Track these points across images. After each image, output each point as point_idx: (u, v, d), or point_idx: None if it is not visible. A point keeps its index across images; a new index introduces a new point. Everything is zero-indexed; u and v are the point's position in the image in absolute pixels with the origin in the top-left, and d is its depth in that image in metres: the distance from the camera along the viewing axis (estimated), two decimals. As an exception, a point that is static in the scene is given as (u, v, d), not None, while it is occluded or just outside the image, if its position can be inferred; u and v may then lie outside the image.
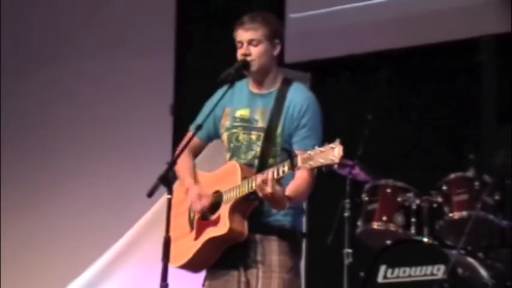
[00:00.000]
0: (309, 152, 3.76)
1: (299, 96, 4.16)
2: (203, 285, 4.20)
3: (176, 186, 4.12)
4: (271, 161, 4.09)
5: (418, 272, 5.51)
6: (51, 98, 7.88)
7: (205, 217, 4.13)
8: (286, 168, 3.84)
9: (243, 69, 4.17)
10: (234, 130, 4.20)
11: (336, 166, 3.71)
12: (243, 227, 4.03)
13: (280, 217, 4.09)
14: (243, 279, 4.08)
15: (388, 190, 5.89)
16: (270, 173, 3.85)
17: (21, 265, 7.53)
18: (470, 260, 5.55)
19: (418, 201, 5.81)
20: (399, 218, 5.82)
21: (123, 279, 6.83)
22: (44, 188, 7.72)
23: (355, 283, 5.82)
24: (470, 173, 5.66)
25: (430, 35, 6.64)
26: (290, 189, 3.97)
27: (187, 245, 4.14)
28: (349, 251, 5.94)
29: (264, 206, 4.07)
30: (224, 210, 4.04)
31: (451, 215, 5.65)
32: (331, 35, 7.00)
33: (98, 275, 6.94)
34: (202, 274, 4.22)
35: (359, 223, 5.95)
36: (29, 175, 7.79)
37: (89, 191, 7.48)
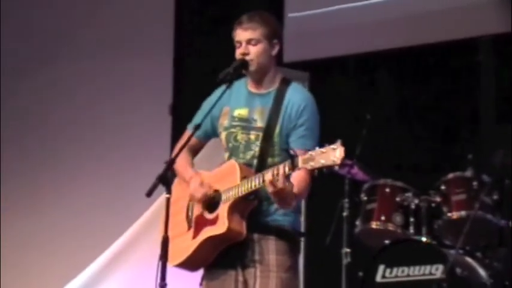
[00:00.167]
0: (310, 152, 3.76)
1: (297, 96, 4.16)
2: (200, 284, 4.20)
3: (174, 185, 4.12)
4: (270, 160, 4.09)
5: (416, 272, 5.52)
6: (51, 98, 7.88)
7: (201, 219, 4.12)
8: (287, 169, 3.83)
9: (241, 69, 4.17)
10: (233, 130, 4.20)
11: (336, 167, 3.71)
12: (242, 226, 4.03)
13: (278, 217, 4.10)
14: (240, 278, 4.08)
15: (387, 190, 5.90)
16: (281, 168, 3.83)
17: (21, 265, 7.53)
18: (469, 259, 5.56)
19: (416, 201, 5.82)
20: (398, 218, 5.83)
21: (121, 278, 6.83)
22: (43, 188, 7.71)
23: (353, 283, 5.82)
24: (468, 173, 5.67)
25: (429, 35, 6.65)
26: (294, 187, 3.95)
27: (185, 244, 4.14)
28: (348, 250, 5.95)
29: (262, 205, 4.08)
30: (223, 210, 4.04)
31: (449, 214, 5.66)
32: (330, 34, 7.01)
33: (96, 274, 6.94)
34: (200, 273, 4.23)
35: (358, 223, 5.95)
36: (29, 175, 7.78)
37: (88, 190, 7.48)
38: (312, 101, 4.20)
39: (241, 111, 4.20)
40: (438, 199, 5.74)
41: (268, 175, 3.86)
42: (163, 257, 3.86)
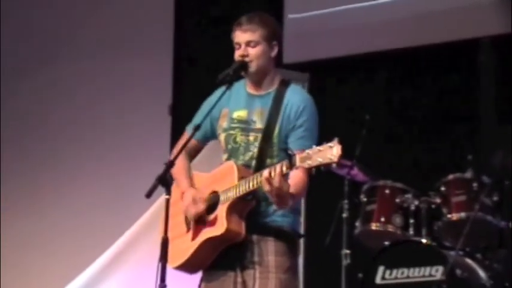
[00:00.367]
0: (307, 151, 3.76)
1: (296, 97, 4.16)
2: (199, 286, 4.20)
3: (173, 186, 4.12)
4: (268, 161, 4.09)
5: (416, 273, 5.51)
6: (51, 98, 7.88)
7: (200, 221, 4.12)
8: (284, 168, 3.83)
9: (241, 70, 4.17)
10: (232, 131, 4.20)
11: (334, 165, 3.71)
12: (241, 227, 4.03)
13: (277, 218, 4.10)
14: (239, 279, 4.08)
15: (387, 191, 5.89)
16: (278, 167, 3.84)
17: (21, 265, 7.53)
18: (469, 261, 5.54)
19: (416, 202, 5.81)
20: (397, 219, 5.82)
21: (121, 279, 6.83)
22: (43, 188, 7.72)
23: (353, 284, 5.82)
24: (468, 174, 5.66)
25: (429, 36, 6.64)
26: (291, 186, 3.95)
27: (184, 246, 4.14)
28: (347, 251, 5.95)
29: (261, 206, 4.08)
30: (221, 211, 4.04)
31: (449, 216, 5.65)
32: (329, 35, 7.01)
33: (96, 275, 6.94)
34: (199, 274, 4.22)
35: (357, 224, 5.95)
36: (29, 175, 7.79)
37: (88, 191, 7.49)
38: (311, 102, 4.19)
39: (240, 113, 4.20)
40: (438, 200, 5.73)
41: (265, 174, 3.86)
42: (163, 258, 3.85)
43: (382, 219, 5.83)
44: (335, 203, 6.03)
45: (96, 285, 6.92)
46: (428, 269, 5.48)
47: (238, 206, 4.03)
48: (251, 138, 4.15)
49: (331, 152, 3.69)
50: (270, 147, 4.11)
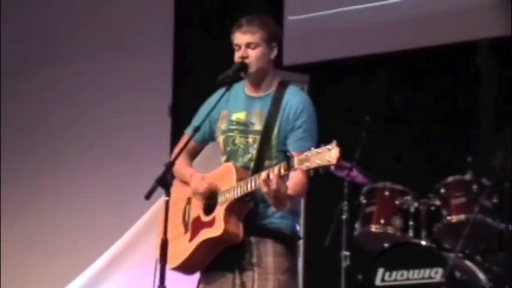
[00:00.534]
0: (305, 153, 3.76)
1: (295, 98, 4.17)
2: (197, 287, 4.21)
3: (172, 188, 4.11)
4: (267, 163, 4.09)
5: (416, 275, 5.51)
6: (51, 98, 7.88)
7: (198, 222, 4.12)
8: (282, 170, 3.84)
9: (240, 72, 4.17)
10: (230, 133, 4.20)
11: (332, 167, 3.71)
12: (238, 228, 4.03)
13: (275, 219, 4.10)
14: (237, 281, 4.08)
15: (386, 193, 5.88)
16: (275, 169, 3.84)
17: (21, 265, 7.54)
18: (468, 263, 5.54)
19: (416, 204, 5.81)
20: (397, 221, 5.81)
21: (121, 280, 6.83)
22: (43, 188, 7.72)
23: (352, 286, 5.82)
24: (468, 176, 5.66)
25: (429, 37, 6.64)
26: (289, 188, 3.95)
27: (182, 247, 4.14)
28: (347, 253, 5.94)
29: (259, 208, 4.08)
30: (219, 212, 4.04)
31: (449, 218, 5.65)
32: (329, 37, 7.00)
33: (96, 275, 6.94)
34: (197, 276, 4.22)
35: (357, 225, 5.94)
36: (29, 175, 7.79)
37: (88, 191, 7.49)
38: (310, 104, 4.20)
39: (239, 115, 4.20)
40: (438, 202, 5.73)
41: (263, 175, 3.86)
42: (163, 259, 3.85)
43: (382, 221, 5.83)
44: (335, 204, 6.03)
45: (96, 286, 6.93)
46: (427, 271, 5.47)
47: (236, 208, 4.03)
48: (250, 140, 4.15)
49: (330, 154, 3.69)
50: (269, 149, 4.11)
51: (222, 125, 4.22)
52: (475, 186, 5.60)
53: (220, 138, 4.22)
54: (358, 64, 6.92)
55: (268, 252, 4.08)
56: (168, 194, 3.91)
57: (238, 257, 4.07)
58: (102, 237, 7.10)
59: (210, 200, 4.12)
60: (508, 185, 5.58)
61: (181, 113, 7.23)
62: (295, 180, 3.99)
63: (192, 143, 4.26)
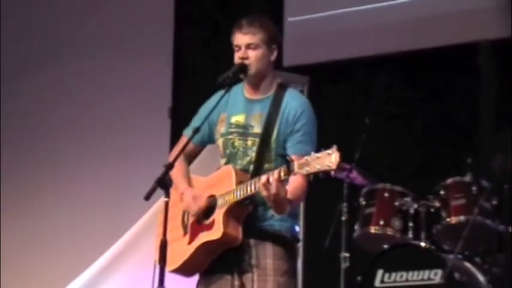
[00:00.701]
0: (305, 157, 3.76)
1: (294, 101, 4.16)
2: (196, 289, 4.21)
3: (172, 188, 4.11)
4: (266, 166, 4.09)
5: (415, 277, 5.51)
6: (51, 98, 7.88)
7: (200, 220, 4.12)
8: (282, 174, 3.83)
9: (240, 73, 4.17)
10: (230, 136, 4.19)
11: (332, 173, 3.71)
12: (237, 231, 4.03)
13: (274, 222, 4.10)
14: (236, 283, 4.08)
15: (386, 194, 5.88)
16: (275, 173, 3.84)
17: (21, 265, 7.53)
18: (468, 264, 5.54)
19: (415, 206, 5.80)
20: (396, 222, 5.82)
21: (120, 281, 6.83)
22: (43, 188, 7.71)
23: (352, 287, 5.81)
24: (467, 178, 5.65)
25: (429, 39, 6.63)
26: (289, 192, 3.95)
27: (181, 249, 4.14)
28: (346, 255, 5.94)
29: (258, 211, 4.08)
30: (218, 215, 4.04)
31: (448, 219, 5.65)
32: (329, 38, 6.99)
33: (95, 276, 6.94)
34: (196, 278, 4.22)
35: (356, 227, 5.94)
36: (29, 175, 7.78)
37: (88, 191, 7.49)
38: (309, 106, 4.20)
39: (238, 118, 4.20)
40: (437, 204, 5.73)
41: (263, 179, 3.86)
42: (162, 260, 3.85)
43: (381, 222, 5.83)
44: (334, 206, 6.03)
45: (96, 286, 6.92)
46: (427, 272, 5.47)
47: (235, 211, 4.03)
48: (249, 142, 4.15)
49: (330, 159, 3.68)
50: (268, 152, 4.11)
51: (222, 128, 4.22)
52: (474, 188, 5.61)
53: (220, 141, 4.22)
54: (358, 65, 6.91)
55: (267, 255, 4.08)
56: (167, 195, 3.91)
57: (237, 259, 4.07)
58: (102, 238, 7.09)
59: (202, 218, 4.10)
60: (508, 186, 5.57)
61: (181, 115, 7.22)
62: (295, 184, 3.98)
63: (190, 145, 4.25)
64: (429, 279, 5.45)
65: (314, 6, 7.07)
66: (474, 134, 6.39)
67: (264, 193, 3.86)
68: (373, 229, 5.85)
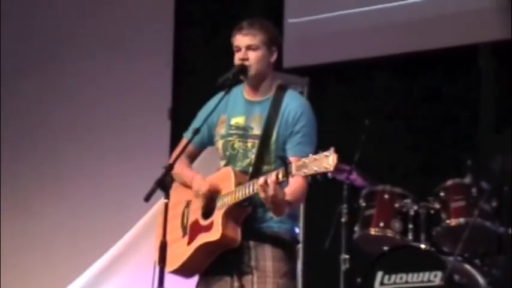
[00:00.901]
0: (303, 159, 3.76)
1: (294, 103, 4.17)
2: (195, 291, 4.21)
3: (172, 190, 4.11)
4: (266, 168, 4.09)
5: (415, 279, 5.50)
6: (51, 98, 7.88)
7: (196, 226, 4.11)
8: (280, 176, 3.83)
9: (240, 74, 4.17)
10: (230, 138, 4.20)
11: (329, 174, 3.71)
12: (236, 233, 4.04)
13: (273, 224, 4.10)
14: (236, 284, 4.08)
15: (386, 196, 5.87)
16: (273, 175, 3.84)
17: (21, 265, 7.53)
18: (468, 266, 5.53)
19: (415, 208, 5.79)
20: (396, 224, 5.81)
21: (120, 281, 6.83)
22: (43, 188, 7.71)
23: (352, 289, 5.82)
24: (467, 180, 5.64)
25: (428, 41, 6.63)
26: (288, 194, 3.96)
27: (180, 250, 4.14)
28: (346, 256, 5.92)
29: (257, 212, 4.08)
30: (217, 216, 4.05)
31: (448, 221, 5.64)
32: (329, 40, 6.99)
33: (95, 277, 6.94)
34: (195, 279, 4.22)
35: (356, 228, 5.93)
36: (29, 175, 7.78)
37: (88, 192, 7.49)
38: (309, 108, 4.20)
39: (238, 120, 4.20)
40: (437, 206, 5.72)
41: (261, 181, 3.86)
42: (162, 261, 3.85)
43: (381, 224, 5.82)
44: (334, 207, 6.02)
45: (96, 287, 6.92)
46: (427, 274, 5.46)
47: (234, 212, 4.03)
48: (249, 144, 4.15)
49: (327, 161, 3.69)
50: (268, 154, 4.11)
51: (221, 130, 4.22)
52: (474, 190, 5.60)
53: (220, 143, 4.22)
54: (359, 67, 6.91)
55: (267, 256, 4.09)
56: (167, 196, 3.91)
57: (236, 260, 4.07)
58: (102, 238, 7.09)
59: (211, 201, 4.11)
60: (508, 188, 5.56)
61: (180, 116, 7.22)
62: (294, 185, 3.98)
63: (190, 147, 4.26)
64: (429, 281, 5.44)
65: (314, 8, 7.07)
66: (474, 135, 6.39)
67: (261, 195, 3.86)
68: (373, 231, 5.83)
